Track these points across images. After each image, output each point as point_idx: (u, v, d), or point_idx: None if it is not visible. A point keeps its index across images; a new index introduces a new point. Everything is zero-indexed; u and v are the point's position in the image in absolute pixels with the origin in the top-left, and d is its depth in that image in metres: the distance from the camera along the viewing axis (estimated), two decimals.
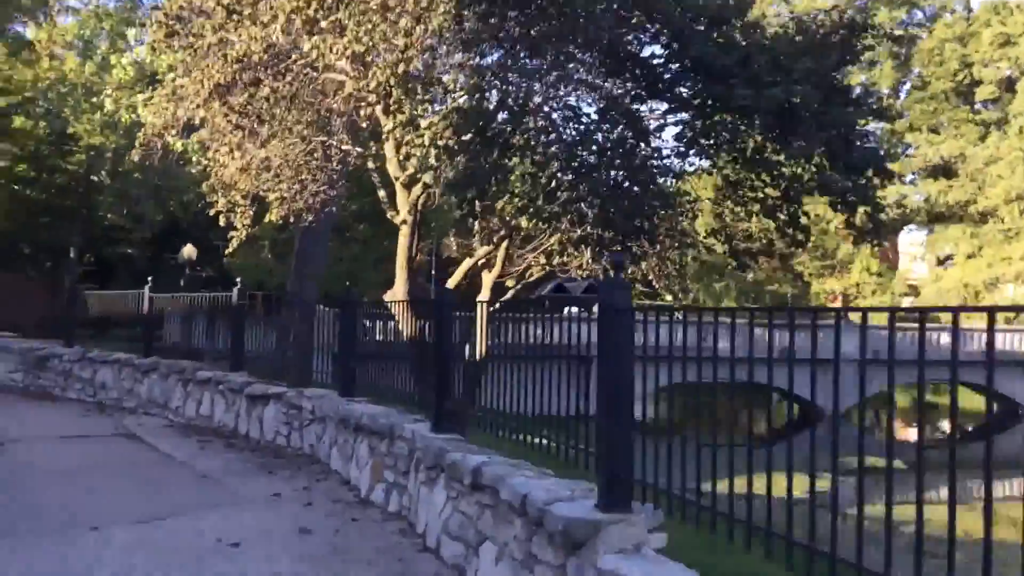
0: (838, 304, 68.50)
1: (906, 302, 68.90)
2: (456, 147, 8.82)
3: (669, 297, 14.10)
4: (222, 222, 14.35)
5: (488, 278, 12.44)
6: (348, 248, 33.36)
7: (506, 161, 8.72)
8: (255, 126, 11.00)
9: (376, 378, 9.65)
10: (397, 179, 11.09)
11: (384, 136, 11.00)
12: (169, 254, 49.87)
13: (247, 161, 11.40)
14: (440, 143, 8.82)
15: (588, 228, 9.05)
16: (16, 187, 36.20)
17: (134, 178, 36.34)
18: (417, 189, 10.90)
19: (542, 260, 11.46)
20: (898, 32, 51.14)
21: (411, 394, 8.91)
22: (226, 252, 14.38)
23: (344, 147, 13.74)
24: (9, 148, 34.57)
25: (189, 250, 34.34)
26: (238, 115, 10.55)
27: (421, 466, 6.91)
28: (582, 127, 9.06)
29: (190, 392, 12.39)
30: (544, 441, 6.16)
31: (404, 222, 11.08)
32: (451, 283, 11.65)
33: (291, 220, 15.78)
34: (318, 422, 9.68)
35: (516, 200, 8.88)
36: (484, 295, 12.74)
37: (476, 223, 10.75)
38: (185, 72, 10.60)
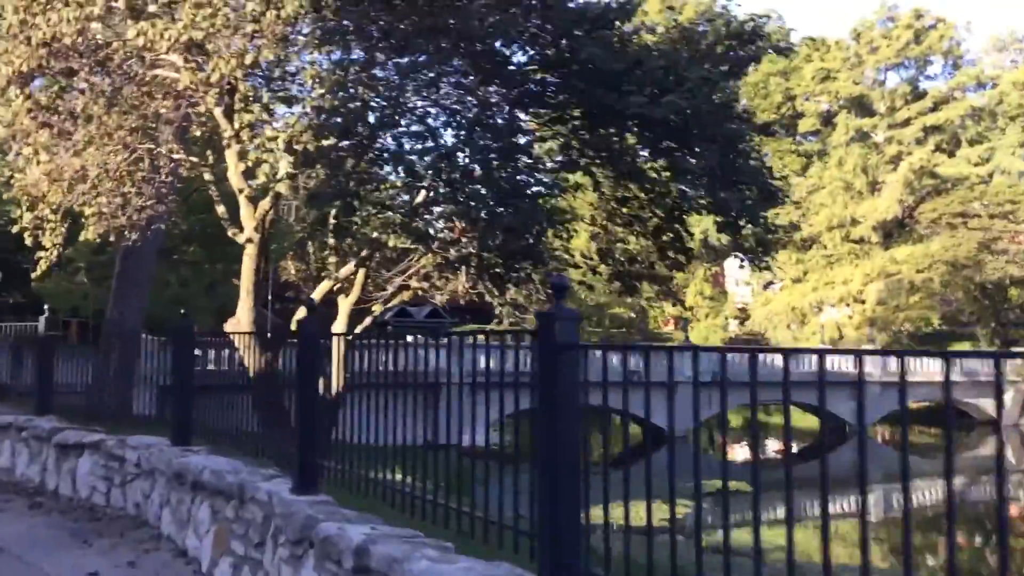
0: (671, 327, 70.59)
1: (733, 324, 71.74)
2: (317, 153, 7.60)
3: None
4: (28, 241, 12.43)
5: (345, 304, 11.16)
6: (176, 271, 30.85)
7: (376, 170, 7.59)
8: (66, 126, 9.33)
9: (216, 423, 8.23)
10: (241, 191, 9.69)
11: (225, 143, 9.60)
12: None
13: (57, 168, 9.69)
14: (297, 147, 7.55)
15: (465, 248, 8.04)
16: None
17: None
18: (265, 203, 9.54)
19: (413, 284, 10.33)
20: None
21: (260, 443, 7.57)
22: (33, 275, 12.35)
23: (175, 156, 12.16)
24: None
25: None
26: (45, 111, 8.87)
27: (282, 537, 5.61)
28: (463, 132, 8.03)
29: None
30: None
31: (250, 240, 9.68)
32: (300, 313, 10.30)
33: (111, 239, 13.99)
34: (145, 477, 8.12)
35: (385, 215, 7.75)
36: (340, 323, 11.45)
37: (335, 241, 9.46)
38: None
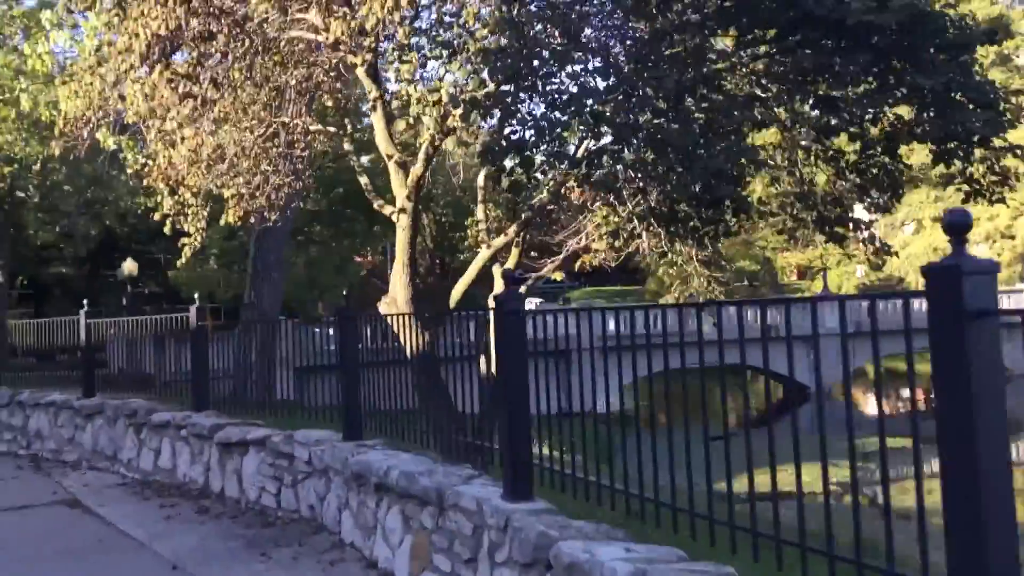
0: (795, 278, 67.60)
1: (859, 271, 68.32)
2: (487, 101, 6.61)
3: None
4: (167, 230, 11.97)
5: (498, 275, 10.19)
6: (304, 251, 30.75)
7: (556, 115, 6.56)
8: (209, 95, 8.63)
9: (387, 414, 7.43)
10: (390, 157, 8.83)
11: (370, 105, 8.76)
12: (107, 271, 46.76)
13: (197, 144, 9.03)
14: (463, 98, 6.58)
15: (654, 199, 6.94)
16: None
17: (64, 191, 33.34)
18: (417, 168, 8.64)
19: (595, 246, 9.29)
20: None
21: (435, 434, 6.73)
22: (178, 263, 11.91)
23: (313, 127, 11.44)
24: None
25: (129, 265, 31.49)
26: (185, 80, 8.18)
27: (500, 554, 4.70)
28: (647, 64, 6.87)
29: (145, 440, 9.98)
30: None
31: (402, 211, 8.82)
32: (461, 286, 9.42)
33: (250, 221, 13.45)
34: (318, 476, 7.40)
35: (563, 166, 6.73)
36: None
37: (510, 201, 8.43)
38: (113, 31, 8.19)
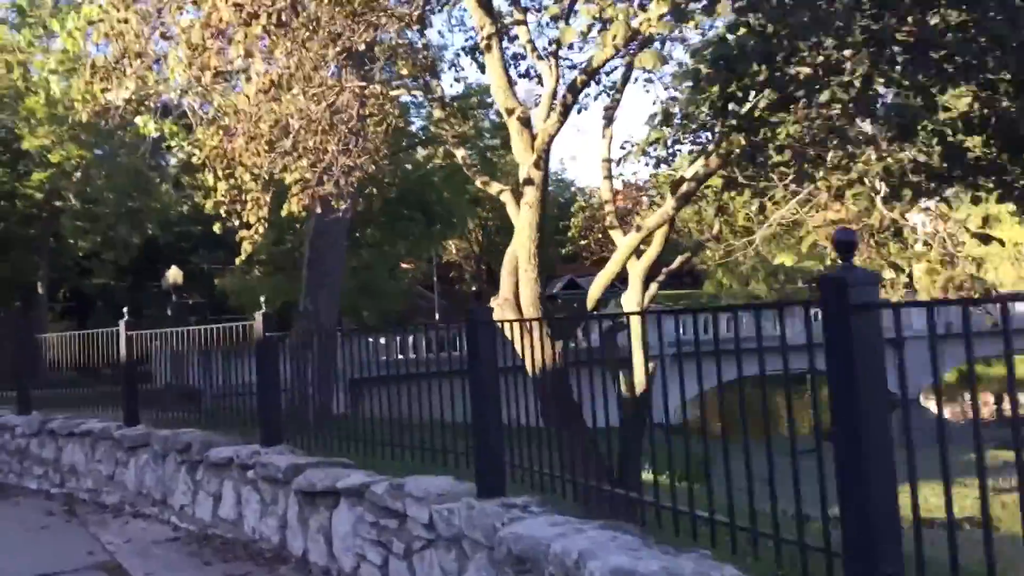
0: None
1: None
2: None
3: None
4: (218, 228, 10.08)
5: (637, 268, 8.08)
6: (357, 255, 28.82)
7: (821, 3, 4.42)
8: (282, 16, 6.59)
9: (522, 458, 5.37)
10: (510, 112, 6.75)
11: (483, 42, 6.70)
12: (150, 282, 45.35)
13: (265, 81, 7.03)
14: None
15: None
16: None
17: (105, 197, 31.81)
18: (550, 123, 6.55)
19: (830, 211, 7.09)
20: None
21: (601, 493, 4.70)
22: (238, 260, 9.92)
23: (393, 92, 9.45)
24: None
25: (174, 273, 29.79)
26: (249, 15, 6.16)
27: None
28: None
29: (201, 482, 7.97)
30: None
31: (528, 182, 6.71)
32: (603, 280, 7.29)
33: (316, 211, 11.48)
34: (444, 546, 5.29)
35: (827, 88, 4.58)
36: (633, 294, 8.39)
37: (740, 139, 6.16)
38: None
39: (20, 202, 32.20)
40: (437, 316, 60.88)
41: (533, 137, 6.72)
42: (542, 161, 6.66)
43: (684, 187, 7.00)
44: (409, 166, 25.65)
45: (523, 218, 6.83)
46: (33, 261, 34.04)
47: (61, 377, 12.00)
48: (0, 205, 31.73)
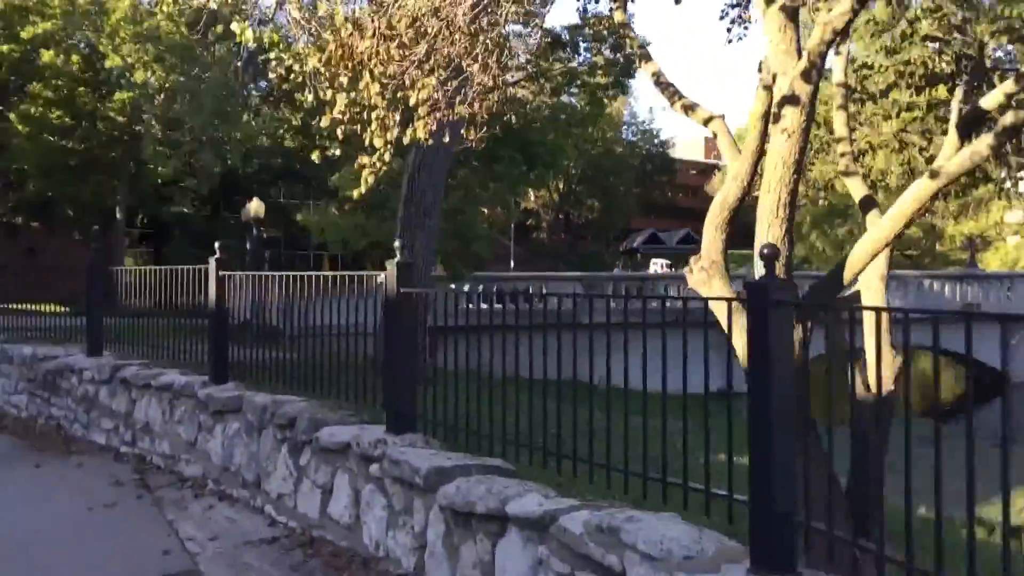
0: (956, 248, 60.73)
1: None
2: None
3: None
4: (316, 156, 8.42)
5: (886, 228, 6.02)
6: (447, 197, 26.98)
7: None
8: None
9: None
10: (770, 1, 4.78)
11: None
12: (227, 212, 44.37)
13: None
14: None
15: None
16: (51, 138, 30.56)
17: (188, 122, 30.50)
18: (841, 9, 4.56)
19: None
20: None
21: None
22: (356, 193, 8.16)
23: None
24: (40, 91, 28.84)
25: (256, 206, 28.37)
26: None
27: None
28: None
29: (307, 468, 6.30)
30: None
31: (792, 100, 4.73)
32: (871, 245, 5.29)
33: (444, 140, 9.74)
34: None
35: None
36: (875, 269, 6.38)
37: None
38: None
39: (101, 124, 31.14)
40: (512, 265, 59.11)
41: (798, 36, 4.75)
42: (814, 71, 4.69)
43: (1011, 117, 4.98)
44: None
45: (776, 151, 4.88)
46: (112, 185, 33.11)
47: (137, 314, 10.45)
48: (83, 127, 30.71)
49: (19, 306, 13.02)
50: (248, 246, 32.93)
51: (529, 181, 28.71)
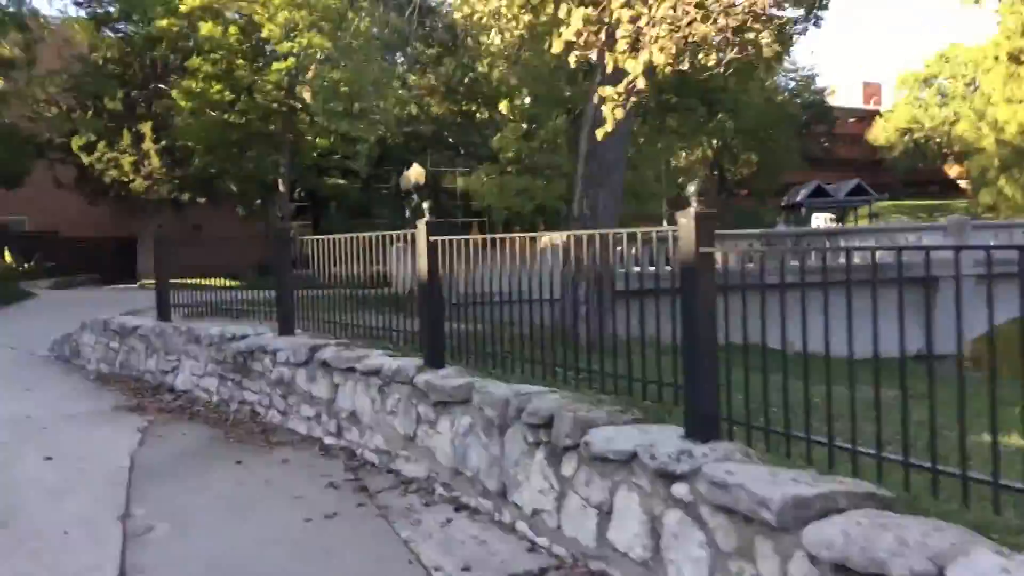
0: None
1: None
2: None
3: None
4: (503, 106, 8.14)
5: None
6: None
7: None
8: None
9: None
10: None
11: None
12: (379, 183, 44.17)
13: None
14: None
15: None
16: (213, 113, 30.76)
17: (343, 92, 29.95)
18: None
19: None
20: None
21: None
22: (601, 132, 6.83)
23: None
24: (200, 65, 28.96)
25: (416, 172, 27.62)
26: None
27: None
28: None
29: (573, 481, 4.99)
30: None
31: None
32: None
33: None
34: None
35: None
36: None
37: None
38: None
39: (260, 96, 31.11)
40: (664, 225, 56.88)
41: None
42: None
43: None
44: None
45: None
46: (274, 158, 33.19)
47: (322, 287, 9.48)
48: (240, 99, 30.76)
49: (192, 280, 12.38)
50: (407, 214, 32.39)
51: (707, 131, 26.71)
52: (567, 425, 5.03)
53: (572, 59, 6.52)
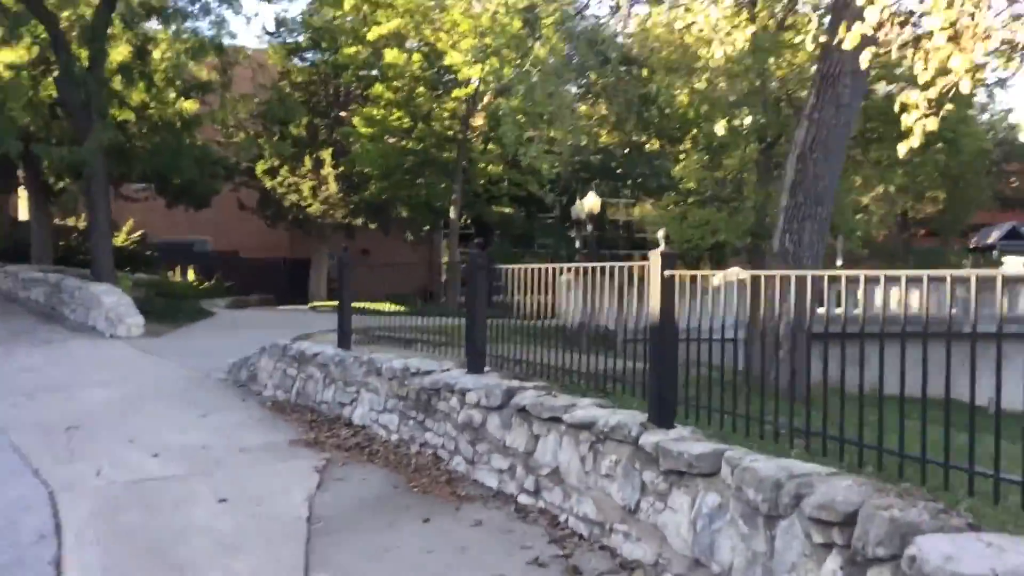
0: None
1: None
2: None
3: None
4: (744, 119, 8.55)
5: None
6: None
7: None
8: None
9: None
10: None
11: None
12: (541, 212, 43.51)
13: None
14: None
15: None
16: (392, 139, 30.91)
17: (523, 121, 29.30)
18: None
19: None
20: None
21: None
22: (906, 146, 5.46)
23: None
24: (382, 92, 29.14)
25: (591, 202, 26.62)
26: None
27: None
28: None
29: None
30: None
31: None
32: None
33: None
34: None
35: None
36: None
37: None
38: None
39: (436, 124, 31.06)
40: (839, 263, 53.54)
41: None
42: None
43: None
44: None
45: None
46: (445, 186, 33.07)
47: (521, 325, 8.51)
48: (420, 127, 30.79)
49: (364, 305, 11.75)
50: (577, 245, 31.47)
51: (914, 164, 24.50)
52: (879, 528, 3.76)
53: (865, 58, 5.27)
